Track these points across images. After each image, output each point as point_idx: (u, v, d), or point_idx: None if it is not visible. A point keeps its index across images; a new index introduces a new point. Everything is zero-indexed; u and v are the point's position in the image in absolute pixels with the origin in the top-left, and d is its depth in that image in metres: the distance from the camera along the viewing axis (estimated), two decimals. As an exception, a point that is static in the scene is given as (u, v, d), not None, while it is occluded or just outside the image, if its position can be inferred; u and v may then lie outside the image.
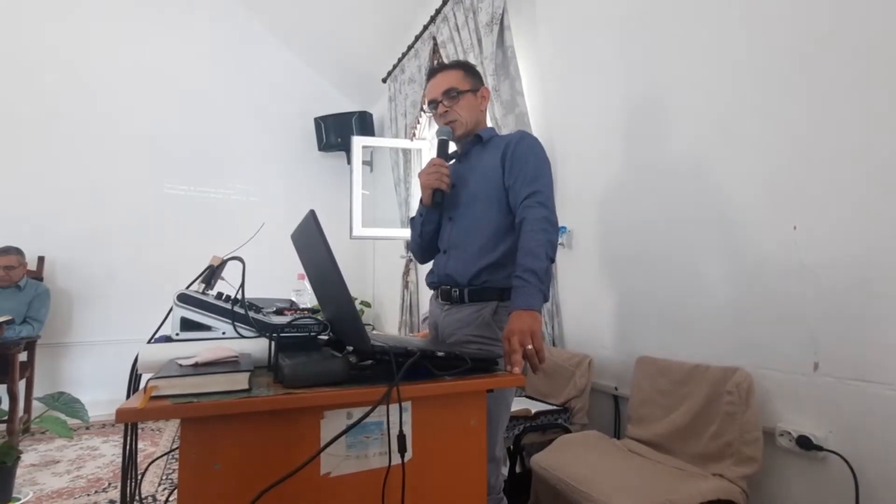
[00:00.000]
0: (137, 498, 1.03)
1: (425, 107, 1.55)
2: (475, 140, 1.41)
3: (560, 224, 1.24)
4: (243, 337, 0.98)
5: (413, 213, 1.50)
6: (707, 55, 1.60)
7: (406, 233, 3.41)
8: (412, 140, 3.57)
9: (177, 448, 0.69)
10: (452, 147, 1.45)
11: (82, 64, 3.83)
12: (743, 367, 1.39)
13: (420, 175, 1.36)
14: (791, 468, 1.33)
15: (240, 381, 0.73)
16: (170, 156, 4.10)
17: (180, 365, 0.77)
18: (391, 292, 4.14)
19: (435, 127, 3.52)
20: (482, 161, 1.36)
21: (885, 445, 1.14)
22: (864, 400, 1.17)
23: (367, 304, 4.61)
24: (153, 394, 0.68)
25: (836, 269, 1.24)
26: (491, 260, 1.26)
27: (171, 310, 0.96)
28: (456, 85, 1.36)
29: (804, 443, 1.27)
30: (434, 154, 1.39)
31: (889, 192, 1.14)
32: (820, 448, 1.24)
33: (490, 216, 1.28)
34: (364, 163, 3.77)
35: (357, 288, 4.71)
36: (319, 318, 1.06)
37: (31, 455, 2.76)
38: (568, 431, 1.80)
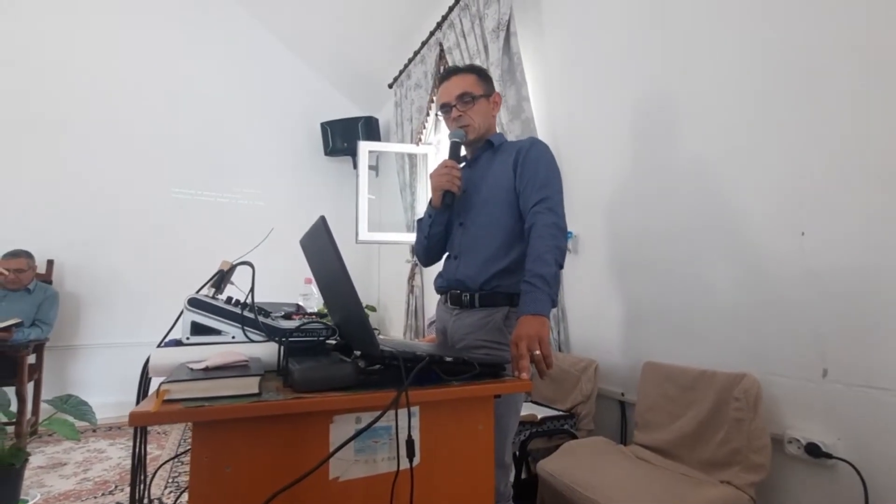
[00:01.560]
0: (147, 501, 1.03)
1: (435, 110, 1.56)
2: (486, 146, 1.42)
3: (567, 229, 1.24)
4: (253, 341, 0.98)
5: (419, 217, 1.50)
6: (715, 61, 1.60)
7: (411, 238, 3.41)
8: (418, 145, 3.59)
9: (183, 451, 0.70)
10: (463, 151, 1.45)
11: (90, 69, 3.87)
12: (751, 374, 1.38)
13: (431, 176, 1.36)
14: (799, 476, 1.32)
15: (250, 385, 0.74)
16: (178, 161, 4.14)
17: (191, 369, 0.78)
18: (396, 296, 4.14)
19: (441, 131, 3.54)
20: (493, 167, 1.36)
21: (894, 453, 1.13)
22: (874, 407, 1.17)
23: (373, 309, 4.62)
24: (166, 397, 0.68)
25: (844, 274, 1.24)
26: (503, 265, 1.26)
27: (181, 314, 0.97)
28: (470, 90, 1.35)
29: (813, 450, 1.26)
30: (445, 156, 1.38)
31: (898, 198, 1.14)
32: (829, 455, 1.23)
33: (502, 222, 1.29)
34: (370, 168, 3.79)
35: (362, 292, 4.71)
36: (327, 322, 1.07)
37: (38, 457, 2.78)
38: (574, 437, 1.79)
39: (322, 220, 0.83)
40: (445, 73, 1.42)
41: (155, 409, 0.65)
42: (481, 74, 1.41)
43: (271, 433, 0.72)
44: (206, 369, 0.77)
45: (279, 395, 0.74)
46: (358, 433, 0.73)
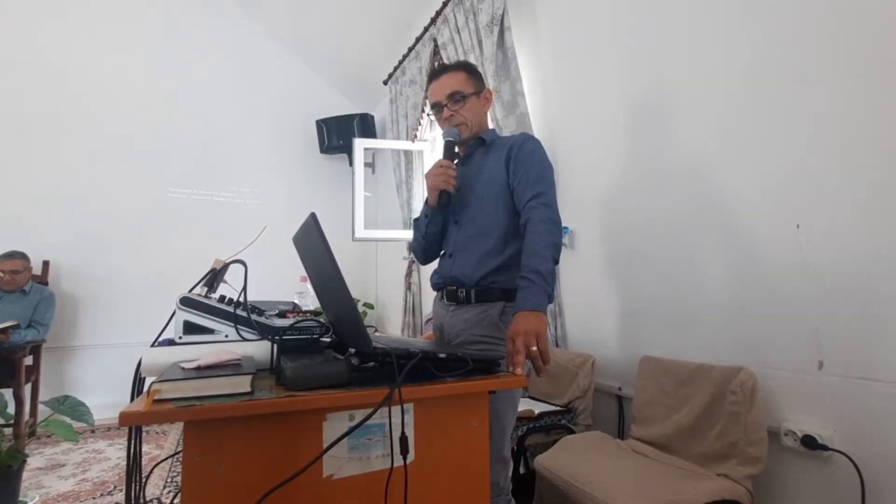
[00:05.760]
0: (142, 500, 1.03)
1: (427, 109, 1.55)
2: (478, 143, 1.41)
3: (562, 224, 1.24)
4: (246, 340, 0.98)
5: (415, 214, 1.49)
6: (709, 55, 1.59)
7: (408, 234, 3.40)
8: (414, 142, 3.57)
9: (181, 451, 0.70)
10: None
11: (86, 69, 3.85)
12: (747, 367, 1.38)
13: (426, 176, 1.35)
14: (796, 468, 1.32)
15: (242, 383, 0.73)
16: (173, 160, 4.12)
17: (183, 368, 0.77)
18: (394, 294, 4.14)
19: (437, 128, 3.53)
20: (486, 163, 1.36)
21: (890, 444, 1.13)
22: (870, 399, 1.17)
23: (371, 306, 4.61)
24: (156, 397, 0.68)
25: (839, 267, 1.24)
26: (498, 262, 1.25)
27: (174, 313, 0.97)
28: (461, 88, 1.34)
29: (809, 442, 1.26)
30: (439, 155, 1.38)
31: (893, 190, 1.14)
32: (825, 448, 1.23)
33: (497, 219, 1.28)
34: (366, 165, 3.77)
35: (360, 290, 4.72)
36: (322, 320, 1.07)
37: (36, 458, 2.77)
38: (571, 432, 1.79)
39: (313, 217, 0.83)
40: (435, 72, 1.41)
41: (145, 409, 0.65)
42: (471, 71, 1.39)
43: (264, 432, 0.72)
44: (199, 368, 0.77)
45: (271, 394, 0.73)
46: (351, 430, 0.72)
